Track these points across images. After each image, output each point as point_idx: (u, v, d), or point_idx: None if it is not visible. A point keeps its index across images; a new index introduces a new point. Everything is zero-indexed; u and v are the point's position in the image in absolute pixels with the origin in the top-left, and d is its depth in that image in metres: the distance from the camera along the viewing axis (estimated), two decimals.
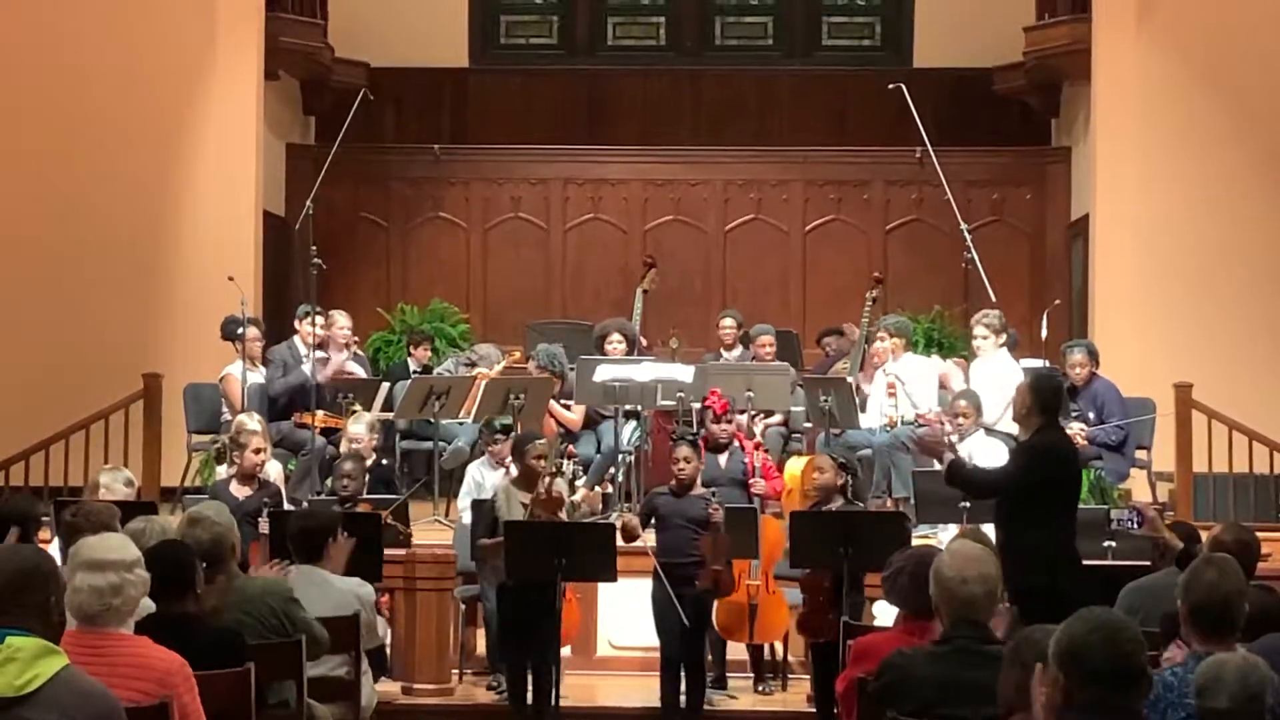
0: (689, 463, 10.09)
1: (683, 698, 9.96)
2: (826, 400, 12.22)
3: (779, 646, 10.97)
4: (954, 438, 11.65)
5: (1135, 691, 3.97)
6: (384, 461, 12.15)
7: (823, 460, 10.40)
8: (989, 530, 10.89)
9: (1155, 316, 14.36)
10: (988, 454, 11.78)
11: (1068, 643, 4.00)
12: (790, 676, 10.94)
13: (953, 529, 11.13)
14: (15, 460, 13.88)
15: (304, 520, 8.37)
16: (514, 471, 10.68)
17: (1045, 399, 8.95)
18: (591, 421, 13.19)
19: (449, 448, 12.74)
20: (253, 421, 11.24)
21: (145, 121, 14.80)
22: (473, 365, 13.60)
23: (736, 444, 11.39)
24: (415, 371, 13.94)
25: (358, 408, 12.46)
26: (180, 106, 14.92)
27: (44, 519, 8.83)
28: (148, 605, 6.05)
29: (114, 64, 14.75)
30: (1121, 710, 3.95)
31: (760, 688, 10.73)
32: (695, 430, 11.32)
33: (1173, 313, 14.35)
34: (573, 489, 10.61)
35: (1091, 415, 12.40)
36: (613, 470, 12.74)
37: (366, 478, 11.50)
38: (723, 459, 11.15)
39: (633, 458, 12.75)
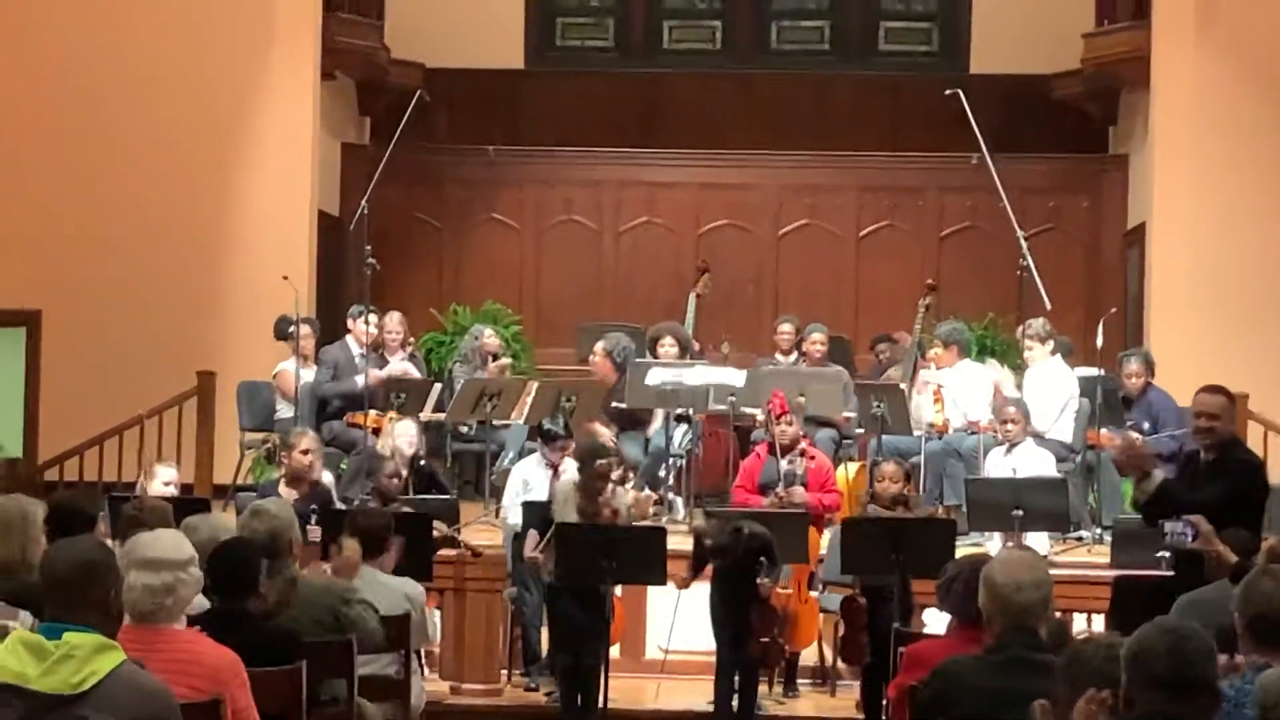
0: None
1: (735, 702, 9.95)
2: (879, 406, 12.19)
3: (828, 652, 10.97)
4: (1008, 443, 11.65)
5: (1196, 703, 3.89)
6: (422, 462, 12.09)
7: (889, 468, 10.35)
8: (1035, 542, 10.92)
9: (1211, 326, 14.26)
10: (1036, 464, 11.76)
11: (1135, 647, 3.95)
12: (840, 683, 10.93)
13: (998, 538, 11.14)
14: (70, 455, 13.99)
15: (362, 519, 8.39)
16: (564, 473, 10.71)
17: None
18: (639, 422, 13.17)
19: (499, 466, 12.73)
20: (304, 440, 11.29)
21: (202, 121, 14.87)
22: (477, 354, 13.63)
23: (803, 447, 11.32)
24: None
25: (393, 414, 12.38)
26: (238, 106, 14.98)
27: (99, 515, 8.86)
28: (201, 601, 6.08)
29: (172, 64, 14.82)
30: (1182, 717, 3.87)
31: (788, 693, 10.75)
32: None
33: (1229, 322, 14.25)
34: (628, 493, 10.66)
35: (1146, 425, 12.33)
36: (662, 473, 12.73)
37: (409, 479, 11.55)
38: (784, 462, 11.09)
39: (684, 461, 12.74)
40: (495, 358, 13.82)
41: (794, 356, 13.93)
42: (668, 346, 13.30)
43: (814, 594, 10.73)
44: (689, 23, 18.00)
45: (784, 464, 10.99)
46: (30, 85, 14.86)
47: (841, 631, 10.28)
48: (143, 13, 14.86)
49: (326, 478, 11.52)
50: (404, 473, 11.52)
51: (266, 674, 5.94)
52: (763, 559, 9.75)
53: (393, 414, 12.36)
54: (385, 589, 7.94)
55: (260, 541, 7.01)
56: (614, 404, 12.94)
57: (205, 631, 5.71)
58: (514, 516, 10.88)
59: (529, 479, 11.21)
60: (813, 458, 11.38)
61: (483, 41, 17.28)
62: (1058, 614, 7.23)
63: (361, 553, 8.06)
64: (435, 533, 10.12)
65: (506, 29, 17.52)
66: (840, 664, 10.79)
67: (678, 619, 10.56)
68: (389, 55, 16.56)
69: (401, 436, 11.70)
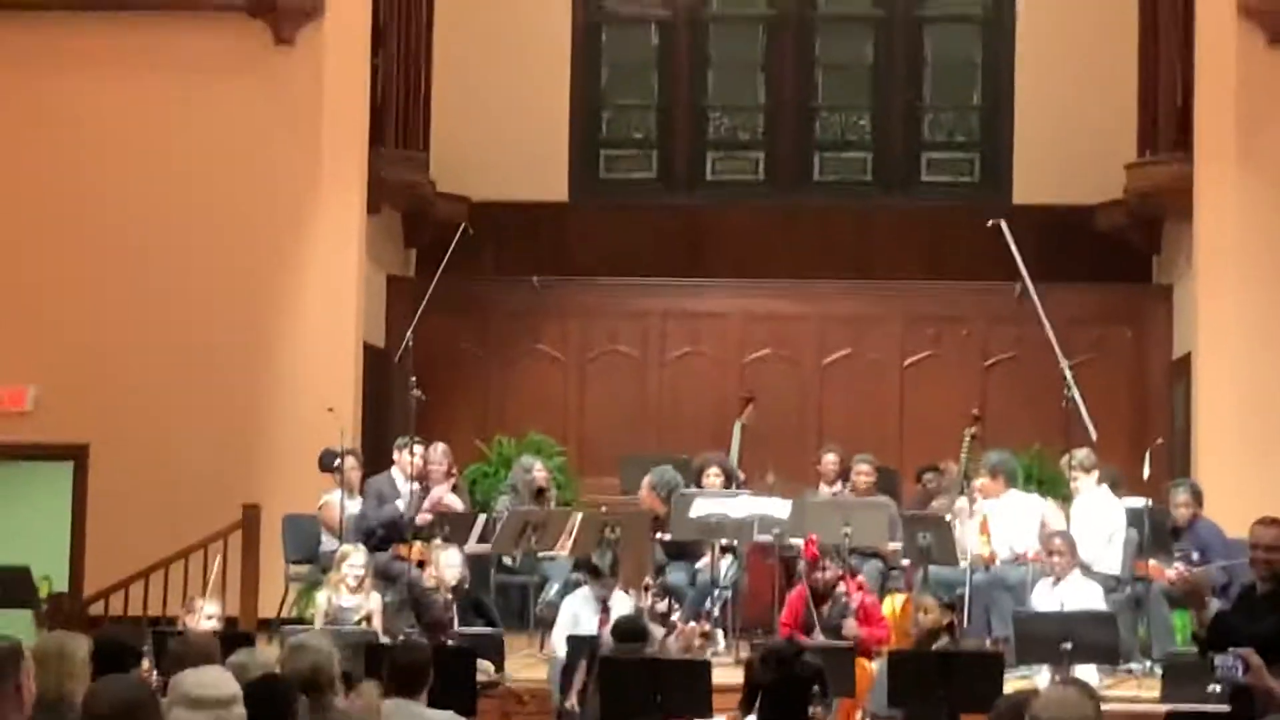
0: None
1: None
2: (925, 538, 12.13)
3: None
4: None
5: None
6: (466, 587, 12.13)
7: (927, 600, 10.34)
8: (1084, 675, 10.80)
9: (1259, 457, 14.16)
10: (1085, 596, 11.66)
11: None
12: None
13: (1047, 671, 11.03)
14: (115, 589, 14.00)
15: (401, 654, 8.34)
16: (614, 610, 10.74)
17: None
18: (690, 552, 13.14)
19: (544, 598, 12.72)
20: (353, 556, 11.36)
21: (250, 256, 15.00)
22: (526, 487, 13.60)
23: (842, 588, 11.29)
24: None
25: (438, 539, 12.50)
26: (286, 240, 15.11)
27: (144, 650, 8.87)
28: None
29: (222, 201, 14.98)
30: None
31: None
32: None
33: (1277, 454, 14.15)
34: (666, 623, 10.64)
35: (1195, 556, 12.22)
36: (708, 605, 12.67)
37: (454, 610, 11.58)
38: (825, 607, 11.08)
39: (730, 593, 12.68)
40: (543, 492, 13.80)
41: (839, 486, 13.88)
42: (713, 477, 13.29)
43: None
44: (732, 154, 18.14)
45: (825, 608, 10.99)
46: (80, 223, 15.03)
47: None
48: (196, 150, 15.03)
49: (375, 601, 11.59)
50: (450, 599, 11.57)
51: None
52: (815, 687, 9.67)
53: (437, 543, 12.42)
54: None
55: (301, 677, 6.98)
56: (661, 536, 12.94)
57: None
58: (562, 650, 10.85)
59: (579, 614, 11.20)
60: (860, 590, 11.34)
61: (527, 174, 17.42)
62: None
63: (399, 688, 7.97)
64: (481, 675, 10.09)
65: (551, 161, 17.66)
66: None
67: None
68: (434, 188, 16.70)
69: (447, 566, 11.78)
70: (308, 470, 13.69)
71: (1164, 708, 9.75)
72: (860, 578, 11.75)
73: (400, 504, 13.11)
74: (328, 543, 13.18)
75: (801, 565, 11.79)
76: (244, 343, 14.97)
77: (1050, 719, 5.63)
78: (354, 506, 13.21)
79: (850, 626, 10.92)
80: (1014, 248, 13.58)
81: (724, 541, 12.66)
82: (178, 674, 5.58)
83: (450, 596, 11.69)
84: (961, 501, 12.97)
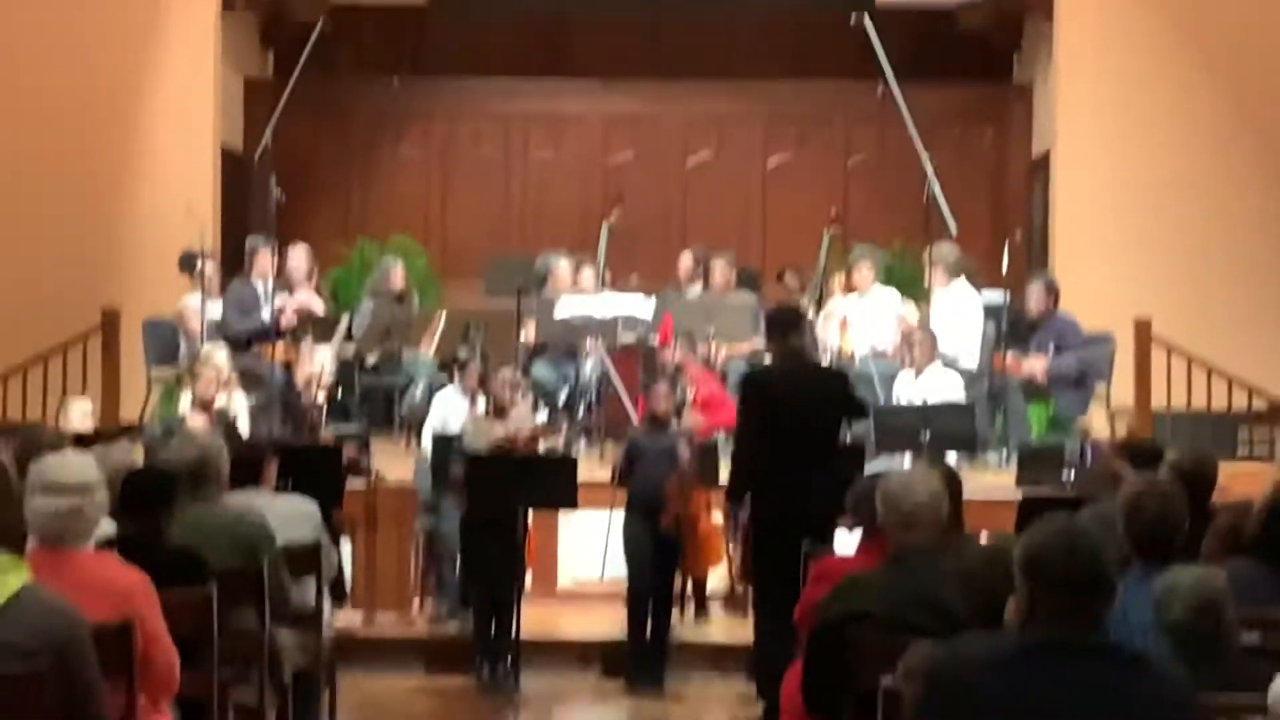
0: (667, 399, 10.26)
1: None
2: None
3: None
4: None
5: (1099, 598, 3.91)
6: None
7: (664, 389, 10.61)
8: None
9: (1116, 252, 14.37)
10: (945, 387, 11.88)
11: (1030, 551, 3.97)
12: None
13: (909, 461, 11.25)
14: None
15: (239, 447, 8.11)
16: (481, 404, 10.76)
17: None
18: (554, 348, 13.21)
19: (409, 400, 12.72)
20: (216, 355, 11.34)
21: (103, 53, 14.63)
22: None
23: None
24: None
25: (308, 337, 12.52)
26: (138, 39, 14.76)
27: None
28: (107, 527, 5.99)
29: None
30: (1086, 616, 3.90)
31: (699, 617, 10.88)
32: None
33: (1133, 248, 14.37)
34: (533, 418, 10.75)
35: (1051, 348, 12.44)
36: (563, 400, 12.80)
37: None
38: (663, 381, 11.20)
39: (593, 393, 12.75)
40: (403, 296, 13.68)
41: (697, 286, 13.89)
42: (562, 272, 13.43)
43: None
44: None
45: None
46: None
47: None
48: None
49: (240, 402, 11.50)
50: (322, 398, 11.59)
51: (176, 596, 5.88)
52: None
53: (306, 343, 12.42)
54: (276, 510, 7.62)
55: (188, 468, 6.97)
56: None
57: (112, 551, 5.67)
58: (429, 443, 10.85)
59: (449, 407, 11.11)
60: (702, 379, 11.55)
61: None
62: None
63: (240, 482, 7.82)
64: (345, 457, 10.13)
65: None
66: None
67: (589, 547, 10.73)
68: None
69: (321, 363, 11.82)
70: (168, 272, 13.51)
71: (1019, 493, 9.97)
72: (698, 363, 11.86)
73: (265, 314, 12.87)
74: (187, 348, 13.03)
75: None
76: (100, 148, 14.64)
77: (897, 492, 5.82)
78: (215, 310, 13.02)
79: (690, 416, 11.03)
80: (878, 45, 13.58)
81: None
82: (38, 461, 5.50)
83: (323, 395, 11.69)
84: (830, 304, 13.14)
